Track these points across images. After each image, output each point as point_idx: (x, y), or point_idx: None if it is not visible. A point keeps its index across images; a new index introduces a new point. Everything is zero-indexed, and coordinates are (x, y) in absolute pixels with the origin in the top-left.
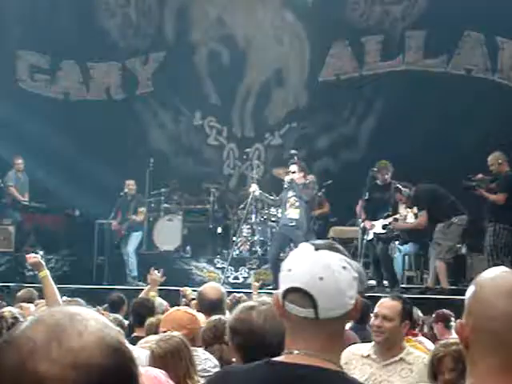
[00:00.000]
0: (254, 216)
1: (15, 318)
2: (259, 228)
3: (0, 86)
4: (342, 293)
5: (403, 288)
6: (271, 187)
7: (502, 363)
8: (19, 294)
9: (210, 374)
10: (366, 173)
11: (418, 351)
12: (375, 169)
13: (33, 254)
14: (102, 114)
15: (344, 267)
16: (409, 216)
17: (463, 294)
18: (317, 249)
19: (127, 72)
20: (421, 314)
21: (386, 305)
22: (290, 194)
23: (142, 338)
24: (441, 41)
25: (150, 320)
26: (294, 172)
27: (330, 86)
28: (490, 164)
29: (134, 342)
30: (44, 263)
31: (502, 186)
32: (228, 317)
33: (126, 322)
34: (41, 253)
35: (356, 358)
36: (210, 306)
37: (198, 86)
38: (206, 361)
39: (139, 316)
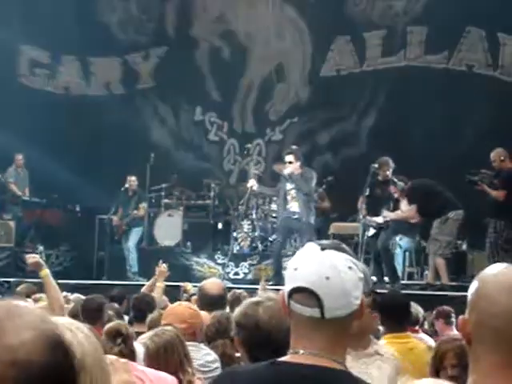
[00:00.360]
0: (254, 212)
1: None
2: (260, 224)
3: (1, 80)
4: (347, 293)
5: (404, 284)
6: (272, 183)
7: (505, 359)
8: (18, 288)
9: (210, 368)
10: (366, 169)
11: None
12: (376, 165)
13: (32, 255)
14: (102, 109)
15: (350, 267)
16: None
17: (464, 291)
18: (323, 248)
19: (128, 67)
20: (421, 311)
21: None
22: (289, 186)
23: (143, 333)
24: (442, 37)
25: (152, 315)
26: (291, 162)
27: (331, 82)
28: (493, 160)
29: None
30: (43, 262)
31: (504, 182)
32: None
33: (126, 318)
34: (41, 248)
35: None
36: (211, 302)
37: (198, 82)
38: (205, 355)
39: (139, 311)
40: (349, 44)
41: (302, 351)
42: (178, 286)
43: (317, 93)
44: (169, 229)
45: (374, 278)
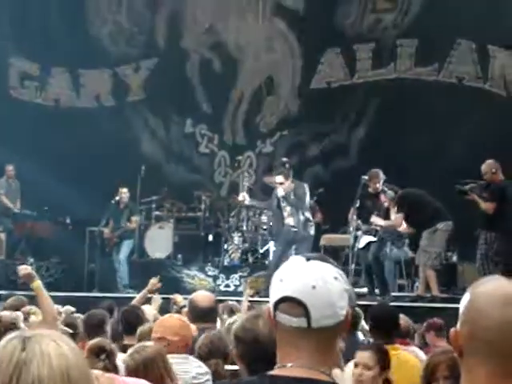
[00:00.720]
0: (245, 224)
1: (13, 323)
2: (250, 236)
3: None
4: (333, 302)
5: (394, 296)
6: (263, 195)
7: (497, 371)
8: (8, 301)
9: (201, 380)
10: (357, 181)
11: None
12: (366, 177)
13: (23, 266)
14: (92, 121)
15: (335, 278)
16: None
17: (455, 302)
18: (308, 259)
19: (118, 79)
20: (411, 323)
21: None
22: (285, 204)
23: (132, 345)
24: (432, 49)
25: (141, 328)
26: (281, 183)
27: (321, 94)
28: (484, 173)
29: (124, 349)
30: (35, 274)
31: (494, 195)
32: (220, 326)
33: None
34: (31, 260)
35: None
36: (202, 314)
37: (189, 94)
38: (196, 368)
39: (129, 324)
40: (339, 56)
41: (289, 364)
42: (169, 298)
43: (307, 105)
44: (159, 241)
45: (365, 290)
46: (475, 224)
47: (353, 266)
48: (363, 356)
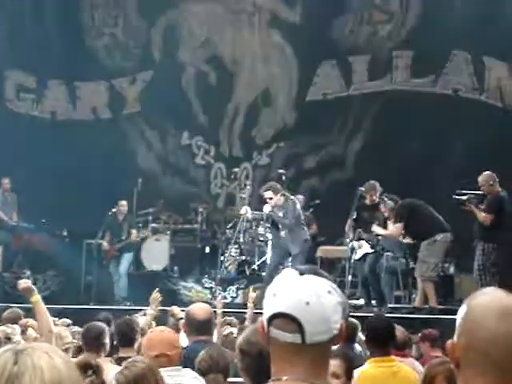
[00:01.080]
0: (241, 236)
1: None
2: (247, 247)
3: None
4: (327, 317)
5: (391, 308)
6: (260, 206)
7: (494, 383)
8: (5, 314)
9: None
10: (353, 192)
11: None
12: (363, 188)
13: (23, 280)
14: (88, 134)
15: (329, 291)
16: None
17: (451, 314)
18: (301, 273)
19: (114, 92)
20: (408, 335)
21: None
22: (269, 220)
23: (127, 358)
24: (428, 61)
25: (140, 341)
26: (271, 198)
27: (317, 106)
28: (481, 185)
29: (119, 362)
30: (35, 288)
31: (491, 206)
32: (217, 339)
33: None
34: (28, 273)
35: None
36: (198, 327)
37: (185, 106)
38: (192, 379)
39: (124, 336)
40: (335, 68)
41: (284, 377)
42: (166, 310)
43: (303, 117)
44: (156, 253)
45: (362, 302)
46: (472, 235)
47: (349, 278)
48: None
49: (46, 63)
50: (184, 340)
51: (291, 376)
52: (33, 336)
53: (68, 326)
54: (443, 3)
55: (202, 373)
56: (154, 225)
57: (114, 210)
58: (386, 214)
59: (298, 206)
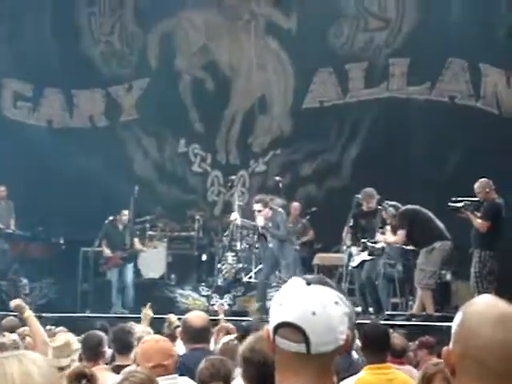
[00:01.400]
0: (238, 243)
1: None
2: (244, 255)
3: None
4: (333, 328)
5: (388, 315)
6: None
7: None
8: (3, 322)
9: None
10: (350, 199)
11: None
12: (360, 196)
13: (14, 300)
14: (85, 142)
15: (336, 302)
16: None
17: (448, 321)
18: (308, 283)
19: (111, 99)
20: (406, 342)
21: None
22: (264, 232)
23: (124, 366)
24: (424, 68)
25: (137, 349)
26: (260, 211)
27: (314, 113)
28: (477, 192)
29: (116, 370)
30: (25, 305)
31: (487, 214)
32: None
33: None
34: (25, 281)
35: None
36: (195, 335)
37: (182, 114)
38: None
39: (120, 344)
40: (331, 76)
41: None
42: (163, 318)
43: (300, 124)
44: (153, 261)
45: (359, 309)
46: (469, 242)
47: (346, 285)
48: None
49: (42, 71)
50: (181, 348)
51: None
52: (31, 344)
53: None
54: (439, 10)
55: (204, 381)
56: (150, 232)
57: (111, 218)
58: (388, 221)
59: (284, 220)
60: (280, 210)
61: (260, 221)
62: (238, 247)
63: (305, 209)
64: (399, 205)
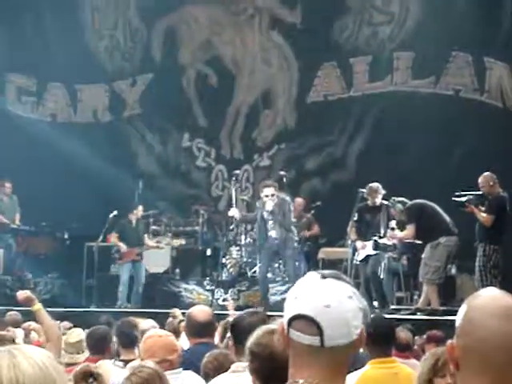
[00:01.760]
0: (243, 237)
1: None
2: (248, 249)
3: None
4: (347, 322)
5: (393, 309)
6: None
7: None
8: (6, 317)
9: None
10: (354, 193)
11: None
12: (364, 190)
13: (22, 291)
14: (89, 137)
15: (350, 296)
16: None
17: (452, 315)
18: (323, 277)
19: (115, 94)
20: (411, 336)
21: None
22: (270, 218)
23: (129, 360)
24: (429, 61)
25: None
26: (273, 195)
27: (318, 108)
28: (481, 185)
29: (121, 364)
30: (34, 297)
31: (492, 207)
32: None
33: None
34: (29, 276)
35: None
36: (199, 329)
37: (186, 108)
38: (193, 382)
39: (125, 338)
40: (336, 70)
41: (301, 381)
42: (167, 312)
43: (304, 118)
44: (157, 256)
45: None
46: (474, 236)
47: (351, 279)
48: None
49: (46, 66)
50: (185, 342)
51: (308, 379)
52: (35, 339)
53: (69, 328)
54: (443, 4)
55: (208, 375)
56: (155, 227)
57: (115, 212)
58: (397, 217)
59: (292, 209)
60: (287, 198)
61: (269, 205)
62: (243, 241)
63: (309, 203)
64: (406, 200)
